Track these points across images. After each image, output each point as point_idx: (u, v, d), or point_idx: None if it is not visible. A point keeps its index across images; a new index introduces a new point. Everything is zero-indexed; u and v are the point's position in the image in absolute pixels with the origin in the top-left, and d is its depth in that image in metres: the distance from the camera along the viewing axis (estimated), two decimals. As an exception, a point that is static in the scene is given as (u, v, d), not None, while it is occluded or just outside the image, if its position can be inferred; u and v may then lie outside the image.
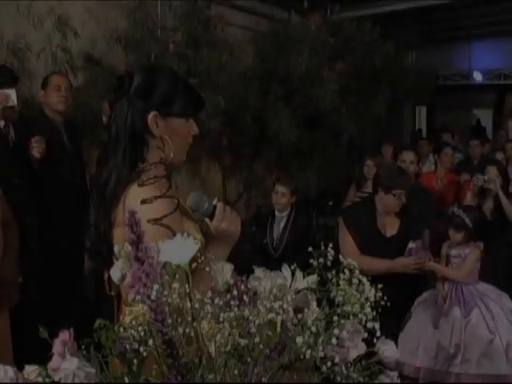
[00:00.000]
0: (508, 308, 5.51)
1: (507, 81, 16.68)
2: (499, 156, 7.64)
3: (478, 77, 16.48)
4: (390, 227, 5.48)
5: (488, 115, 22.06)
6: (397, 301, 4.37)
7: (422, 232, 5.68)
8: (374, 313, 1.50)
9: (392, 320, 5.05)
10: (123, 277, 1.63)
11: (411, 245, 5.25)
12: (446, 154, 8.00)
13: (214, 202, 2.29)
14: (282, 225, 6.43)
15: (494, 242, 6.20)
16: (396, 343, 1.61)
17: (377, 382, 1.58)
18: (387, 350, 1.59)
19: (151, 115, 2.28)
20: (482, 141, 10.41)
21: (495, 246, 6.18)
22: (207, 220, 2.30)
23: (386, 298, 1.51)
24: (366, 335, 1.52)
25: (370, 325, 1.49)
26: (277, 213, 6.48)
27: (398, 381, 1.63)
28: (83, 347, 1.52)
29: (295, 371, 1.55)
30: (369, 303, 1.49)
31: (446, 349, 5.32)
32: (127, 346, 1.52)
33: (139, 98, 2.28)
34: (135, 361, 1.50)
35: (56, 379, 1.46)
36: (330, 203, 9.07)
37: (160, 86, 2.32)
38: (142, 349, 1.50)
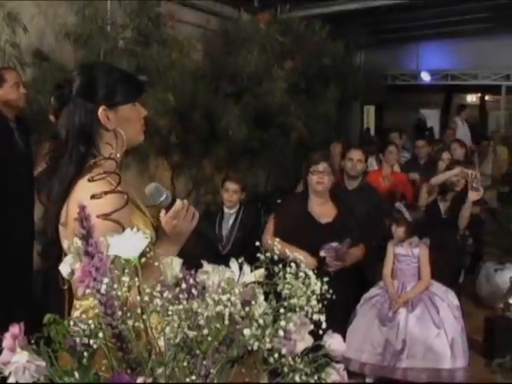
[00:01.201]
0: (454, 304, 5.62)
1: (455, 81, 16.92)
2: (445, 155, 7.74)
3: (425, 77, 16.70)
4: (326, 215, 5.51)
5: (435, 115, 22.31)
6: (344, 296, 4.46)
7: (364, 226, 5.74)
8: (320, 305, 1.53)
9: (340, 315, 5.12)
10: (73, 272, 1.63)
11: (333, 244, 5.24)
12: (391, 152, 8.08)
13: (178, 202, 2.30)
14: (231, 222, 6.46)
15: (441, 240, 6.31)
16: (344, 338, 1.65)
17: (323, 374, 1.61)
18: (334, 343, 1.62)
19: (101, 110, 2.31)
20: (427, 141, 10.57)
21: (441, 245, 6.29)
22: (162, 214, 2.31)
23: (331, 292, 1.55)
24: (312, 327, 1.55)
25: (316, 317, 1.52)
26: (226, 210, 6.50)
27: (345, 373, 1.66)
28: (33, 342, 1.52)
29: (244, 364, 1.58)
30: (315, 296, 1.53)
31: (392, 345, 5.40)
32: (77, 340, 1.53)
33: (84, 99, 2.31)
34: (85, 353, 1.51)
35: (6, 373, 1.46)
36: (279, 201, 9.12)
37: (100, 81, 2.35)
38: (92, 341, 1.51)
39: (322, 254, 5.15)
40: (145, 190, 2.28)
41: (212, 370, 1.49)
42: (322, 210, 5.53)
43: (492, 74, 16.70)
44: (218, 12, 9.95)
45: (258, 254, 1.57)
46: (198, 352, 1.48)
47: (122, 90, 2.41)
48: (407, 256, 5.72)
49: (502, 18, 14.40)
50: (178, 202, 2.29)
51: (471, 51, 16.10)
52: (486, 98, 22.92)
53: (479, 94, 22.86)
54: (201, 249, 6.26)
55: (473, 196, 6.32)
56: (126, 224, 2.02)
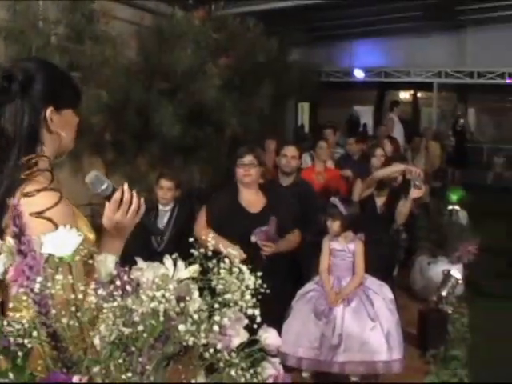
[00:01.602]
0: (388, 298, 5.70)
1: (388, 78, 17.16)
2: (379, 152, 7.82)
3: (359, 74, 16.91)
4: (256, 205, 5.63)
5: (369, 112, 22.61)
6: (279, 292, 4.49)
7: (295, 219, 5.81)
8: (254, 300, 1.54)
9: (276, 311, 5.14)
10: (6, 271, 1.61)
11: (262, 228, 5.35)
12: (321, 148, 8.14)
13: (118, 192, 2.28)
14: (166, 219, 6.45)
15: (375, 235, 6.39)
16: (280, 334, 1.67)
17: (259, 368, 1.62)
18: (269, 337, 1.64)
19: (48, 111, 2.27)
20: (361, 137, 10.70)
21: (376, 240, 6.36)
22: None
23: (265, 286, 1.56)
24: (247, 322, 1.57)
25: (250, 312, 1.54)
26: (160, 207, 6.49)
27: (281, 367, 1.68)
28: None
29: (180, 361, 1.59)
30: (249, 291, 1.54)
31: (329, 339, 5.45)
32: (11, 340, 1.51)
33: (32, 97, 2.27)
34: (20, 354, 1.49)
35: None
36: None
37: (48, 82, 2.31)
38: (26, 341, 1.49)
39: (253, 239, 5.26)
40: (85, 178, 2.27)
41: (148, 367, 1.49)
42: (252, 201, 5.65)
43: (424, 71, 17.02)
44: (152, 9, 9.89)
45: (192, 250, 1.58)
46: (133, 349, 1.48)
47: (69, 93, 2.39)
48: (343, 251, 5.78)
49: (434, 17, 14.64)
50: (118, 194, 2.27)
51: (404, 49, 16.37)
52: (419, 94, 23.31)
53: (412, 91, 23.22)
54: (135, 246, 6.22)
55: (414, 193, 6.37)
56: (60, 222, 1.99)
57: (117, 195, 2.26)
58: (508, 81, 16.93)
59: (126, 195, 2.27)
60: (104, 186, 2.26)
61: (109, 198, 2.27)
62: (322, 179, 7.80)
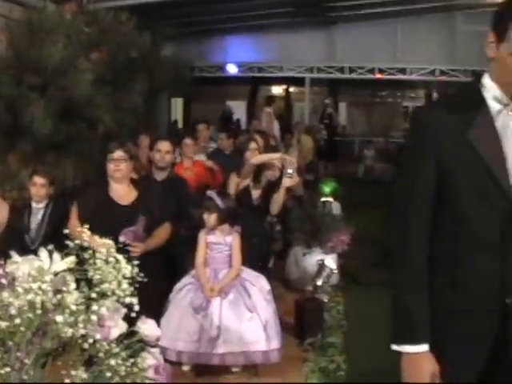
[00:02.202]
0: (265, 289, 5.78)
1: (260, 73, 17.35)
2: (252, 146, 7.89)
3: (232, 69, 16.99)
4: (126, 198, 5.70)
5: (242, 107, 22.79)
6: (156, 287, 4.49)
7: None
8: (132, 288, 1.55)
9: (153, 306, 5.13)
10: None
11: (130, 228, 5.39)
12: (186, 145, 8.17)
13: None
14: (40, 216, 6.37)
15: (251, 227, 6.47)
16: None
17: (139, 358, 1.63)
18: (148, 328, 1.65)
19: None
20: (234, 131, 10.78)
21: (251, 232, 6.44)
22: None
23: (142, 275, 1.57)
24: (125, 311, 1.58)
25: (128, 300, 1.55)
26: (34, 205, 6.39)
27: (161, 357, 1.70)
28: None
29: (60, 357, 1.58)
30: (126, 280, 1.55)
31: (208, 332, 5.48)
32: None
33: None
34: None
35: None
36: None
37: None
38: None
39: (122, 239, 5.25)
40: None
41: (27, 361, 1.48)
42: (123, 194, 5.71)
43: (296, 66, 17.30)
44: (21, 1, 9.65)
45: (68, 242, 1.57)
46: (11, 344, 1.46)
47: None
48: (219, 244, 5.81)
49: (305, 13, 14.90)
50: None
51: (276, 44, 16.60)
52: (291, 89, 23.67)
53: (284, 86, 23.55)
54: (7, 245, 6.09)
55: (287, 182, 6.56)
56: None
57: None
58: (377, 75, 17.43)
59: None
60: None
61: None
62: (191, 173, 7.80)
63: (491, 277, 2.48)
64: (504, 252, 2.47)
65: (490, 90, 2.49)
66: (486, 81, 2.51)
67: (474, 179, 2.47)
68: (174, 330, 5.50)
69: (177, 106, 20.11)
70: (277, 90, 24.04)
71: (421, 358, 2.55)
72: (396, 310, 2.62)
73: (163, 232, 5.73)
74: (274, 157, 7.09)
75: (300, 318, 6.63)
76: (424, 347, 2.55)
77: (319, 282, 6.88)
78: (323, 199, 9.03)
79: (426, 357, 2.55)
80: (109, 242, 1.65)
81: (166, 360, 2.07)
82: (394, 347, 2.60)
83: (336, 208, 9.28)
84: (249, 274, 5.85)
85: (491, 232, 2.47)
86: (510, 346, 2.51)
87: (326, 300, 6.97)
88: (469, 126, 2.45)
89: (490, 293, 2.48)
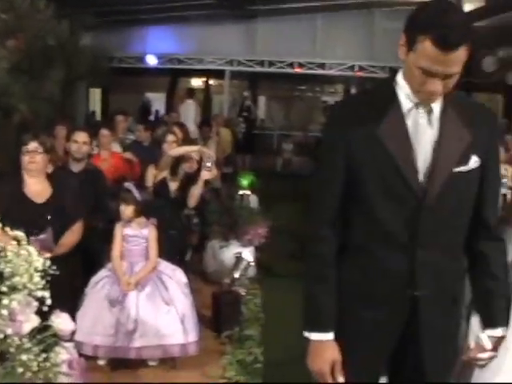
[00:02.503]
0: (182, 282, 5.78)
1: (180, 65, 17.30)
2: (170, 138, 7.84)
3: (151, 60, 16.89)
4: (42, 195, 5.50)
5: (161, 98, 22.69)
6: (71, 281, 4.43)
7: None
8: (44, 282, 1.52)
9: (68, 301, 5.06)
10: None
11: (39, 237, 5.22)
12: (103, 136, 8.10)
13: None
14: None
15: (168, 220, 6.45)
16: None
17: (52, 353, 1.61)
18: (62, 322, 1.63)
19: None
20: (153, 123, 10.72)
21: (168, 224, 6.42)
22: None
23: (55, 268, 1.55)
24: (36, 304, 1.55)
25: (40, 294, 1.52)
26: None
27: (75, 352, 1.67)
28: None
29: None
30: (38, 273, 1.52)
31: (124, 325, 5.44)
32: None
33: None
34: None
35: None
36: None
37: None
38: None
39: None
40: None
41: None
42: (38, 190, 5.49)
43: (216, 59, 17.31)
44: None
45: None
46: None
47: None
48: (136, 236, 5.78)
49: (226, 6, 14.90)
50: None
51: (197, 36, 16.58)
52: (211, 82, 23.65)
53: (204, 79, 23.52)
54: None
55: (205, 175, 6.59)
56: None
57: None
58: (297, 70, 17.56)
59: None
60: None
61: None
62: (108, 165, 7.72)
63: (401, 271, 2.54)
64: (413, 249, 2.52)
65: (403, 88, 2.52)
66: (399, 79, 2.54)
67: (382, 176, 2.50)
68: (89, 324, 5.44)
69: (95, 96, 19.88)
70: (196, 82, 23.99)
71: (324, 346, 2.63)
72: (305, 299, 2.68)
73: (76, 231, 5.60)
74: (192, 149, 7.12)
75: (217, 311, 6.64)
76: (328, 336, 2.63)
77: (236, 275, 6.91)
78: (241, 192, 9.05)
79: (329, 345, 2.63)
80: (21, 234, 1.62)
81: (81, 354, 2.04)
82: (306, 334, 2.66)
83: (253, 201, 9.31)
84: (166, 267, 5.83)
85: (400, 229, 2.52)
86: (420, 334, 2.59)
87: (243, 293, 7.00)
88: (379, 123, 2.49)
89: (400, 287, 2.55)
